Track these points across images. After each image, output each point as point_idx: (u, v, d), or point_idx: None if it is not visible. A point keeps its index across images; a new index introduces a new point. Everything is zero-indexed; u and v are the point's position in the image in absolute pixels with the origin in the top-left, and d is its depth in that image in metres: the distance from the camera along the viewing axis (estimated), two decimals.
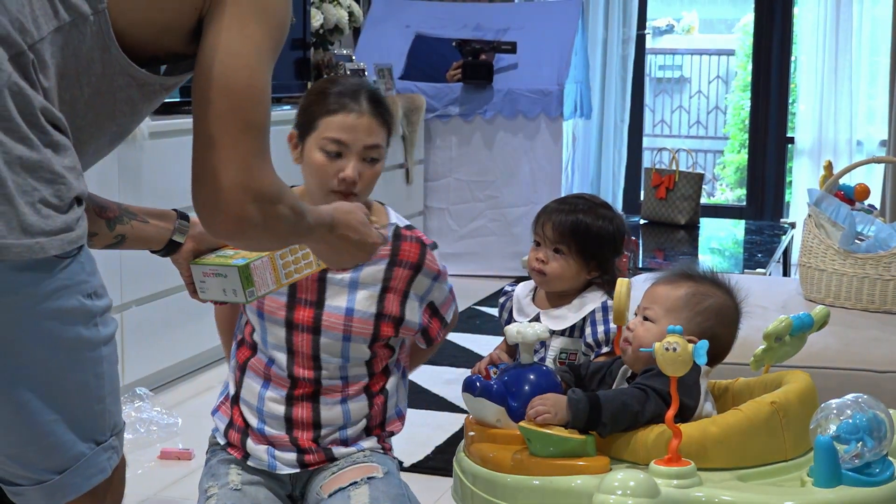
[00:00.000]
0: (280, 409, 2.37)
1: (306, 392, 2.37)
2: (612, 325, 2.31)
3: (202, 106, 1.55)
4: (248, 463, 2.40)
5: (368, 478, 2.33)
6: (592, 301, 2.40)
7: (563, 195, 2.58)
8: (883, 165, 6.53)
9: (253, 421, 2.40)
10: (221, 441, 2.46)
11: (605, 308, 2.38)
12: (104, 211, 1.92)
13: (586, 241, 2.39)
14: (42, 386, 1.47)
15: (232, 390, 2.46)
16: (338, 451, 2.39)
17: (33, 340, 1.44)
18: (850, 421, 1.73)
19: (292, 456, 2.39)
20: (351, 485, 2.32)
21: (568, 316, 2.39)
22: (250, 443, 2.41)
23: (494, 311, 2.49)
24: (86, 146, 1.57)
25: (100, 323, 1.51)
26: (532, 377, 1.88)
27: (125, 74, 1.55)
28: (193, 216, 1.89)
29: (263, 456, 2.39)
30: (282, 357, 2.37)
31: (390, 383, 2.45)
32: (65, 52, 1.48)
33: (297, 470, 2.40)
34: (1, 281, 1.40)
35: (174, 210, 2.04)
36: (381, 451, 2.44)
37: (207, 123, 1.55)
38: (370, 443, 2.43)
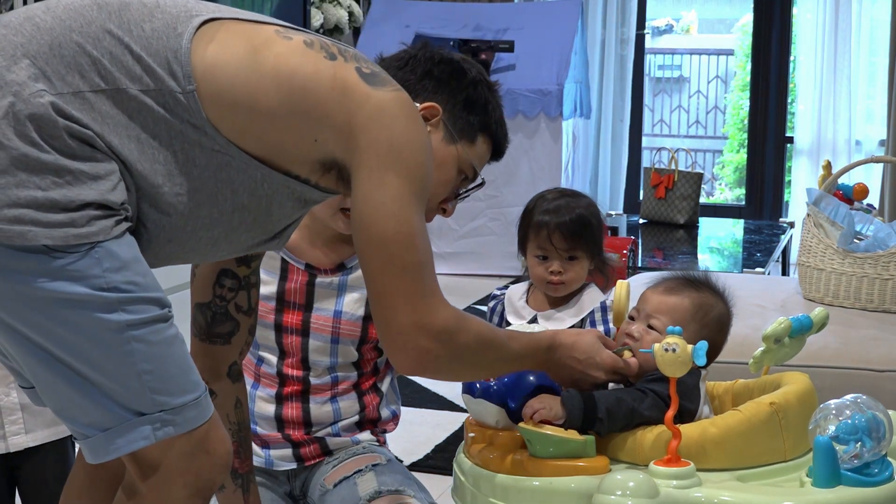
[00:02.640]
0: (270, 408, 2.37)
1: (295, 391, 2.36)
2: (612, 326, 2.30)
3: (362, 256, 1.70)
4: None
5: (373, 465, 2.33)
6: (591, 301, 2.39)
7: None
8: (881, 165, 6.52)
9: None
10: None
11: (603, 308, 2.37)
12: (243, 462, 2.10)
13: (592, 233, 2.38)
14: (70, 355, 1.55)
15: None
16: (331, 441, 2.39)
17: (45, 317, 1.53)
18: (849, 421, 1.73)
19: (287, 451, 2.38)
20: (356, 473, 2.32)
21: (566, 318, 2.38)
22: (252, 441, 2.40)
23: (489, 305, 2.50)
24: (188, 222, 1.67)
25: (125, 310, 1.55)
26: (531, 378, 1.88)
27: (224, 153, 1.65)
28: None
29: (260, 453, 2.39)
30: (272, 356, 2.37)
31: (384, 384, 2.44)
32: (147, 118, 1.60)
33: (294, 465, 2.39)
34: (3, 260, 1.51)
35: None
36: (376, 444, 2.43)
37: (369, 272, 1.69)
38: (365, 436, 2.43)
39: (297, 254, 2.34)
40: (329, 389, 2.38)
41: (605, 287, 2.46)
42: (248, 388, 2.38)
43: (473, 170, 1.97)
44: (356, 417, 2.41)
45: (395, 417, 2.50)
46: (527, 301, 2.45)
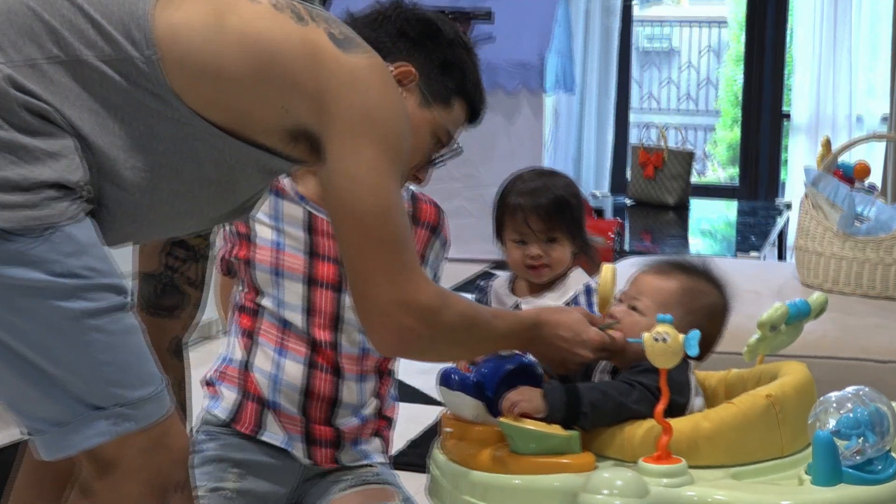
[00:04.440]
0: (298, 374, 2.33)
1: (328, 363, 2.34)
2: (597, 310, 2.30)
3: (339, 230, 1.71)
4: (262, 438, 2.35)
5: None
6: (574, 284, 2.40)
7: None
8: (884, 143, 6.55)
9: (266, 391, 2.35)
10: (224, 415, 2.38)
11: (588, 290, 2.38)
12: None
13: (571, 214, 2.39)
14: (25, 345, 1.54)
15: (239, 356, 2.38)
16: (345, 455, 2.38)
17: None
18: (851, 415, 1.73)
19: (301, 447, 2.36)
20: None
21: (549, 302, 2.38)
22: (268, 416, 2.36)
23: (472, 297, 2.51)
24: (150, 193, 1.66)
25: (83, 298, 1.55)
26: (511, 369, 1.87)
27: (188, 124, 1.64)
28: None
29: (279, 431, 2.35)
30: (299, 317, 2.34)
31: (393, 364, 2.48)
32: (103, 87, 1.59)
33: (308, 461, 2.37)
34: None
35: None
36: (384, 460, 2.45)
37: (346, 247, 1.71)
38: (374, 446, 2.44)
39: (321, 204, 2.29)
40: (358, 363, 2.36)
41: (592, 271, 2.46)
42: (274, 354, 2.34)
43: (448, 135, 1.97)
44: (375, 402, 2.43)
45: (396, 400, 2.54)
46: (511, 289, 2.46)
